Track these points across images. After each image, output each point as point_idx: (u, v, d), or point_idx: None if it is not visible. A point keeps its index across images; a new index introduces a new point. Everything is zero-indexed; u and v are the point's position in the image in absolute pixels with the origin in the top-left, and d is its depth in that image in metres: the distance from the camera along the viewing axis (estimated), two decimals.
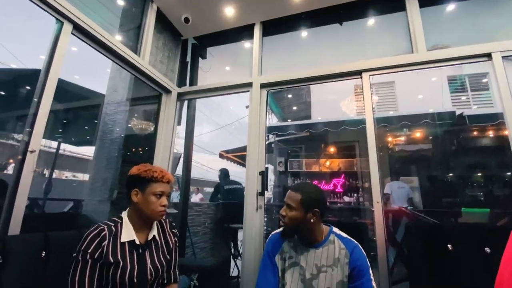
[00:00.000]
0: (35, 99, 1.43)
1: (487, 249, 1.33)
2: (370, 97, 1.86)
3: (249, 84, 2.11)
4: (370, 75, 1.88)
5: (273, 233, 1.29)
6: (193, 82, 2.56)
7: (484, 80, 6.17)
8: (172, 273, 1.15)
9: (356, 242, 1.18)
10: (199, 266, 1.48)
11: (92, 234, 0.96)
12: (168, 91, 2.30)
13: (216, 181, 4.16)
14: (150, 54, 2.13)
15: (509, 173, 5.15)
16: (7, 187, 1.26)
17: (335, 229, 1.23)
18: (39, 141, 1.33)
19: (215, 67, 2.78)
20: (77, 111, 3.87)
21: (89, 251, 0.94)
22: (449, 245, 1.38)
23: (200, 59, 2.74)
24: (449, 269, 1.35)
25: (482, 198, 5.09)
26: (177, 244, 1.20)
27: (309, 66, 2.08)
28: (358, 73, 1.91)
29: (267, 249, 1.24)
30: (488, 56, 1.67)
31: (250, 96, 2.10)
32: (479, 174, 5.50)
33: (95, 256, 0.94)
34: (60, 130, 5.21)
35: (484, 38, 1.75)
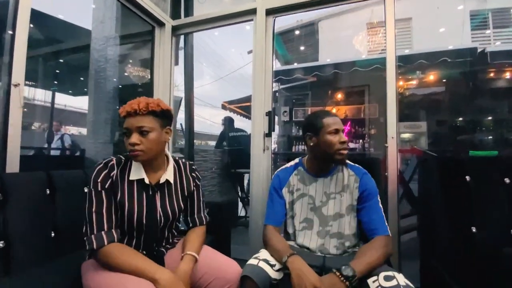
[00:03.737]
0: (10, 32, 1.26)
1: (507, 180, 1.27)
2: (393, 24, 1.61)
3: (253, 11, 1.84)
4: None
5: (279, 169, 1.26)
6: (188, 14, 2.28)
7: (508, 15, 5.62)
8: (197, 217, 1.08)
9: (365, 170, 1.17)
10: (208, 202, 1.47)
11: (99, 166, 0.90)
12: (161, 24, 2.05)
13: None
14: None
15: None
16: None
17: None
18: (22, 74, 1.20)
19: None
20: (68, 58, 3.64)
21: (99, 180, 0.87)
22: (467, 177, 1.32)
23: None
24: (464, 200, 1.31)
25: (490, 142, 5.02)
26: (200, 188, 1.11)
27: None
28: None
29: (273, 184, 1.22)
30: None
31: (254, 26, 1.85)
32: (490, 118, 5.34)
33: (107, 186, 0.88)
34: (55, 82, 5.01)
35: None
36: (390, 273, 0.85)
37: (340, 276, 0.83)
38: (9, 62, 1.19)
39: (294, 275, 0.86)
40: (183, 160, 1.10)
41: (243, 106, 7.34)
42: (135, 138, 0.87)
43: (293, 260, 0.90)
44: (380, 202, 1.10)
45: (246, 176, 3.33)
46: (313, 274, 0.86)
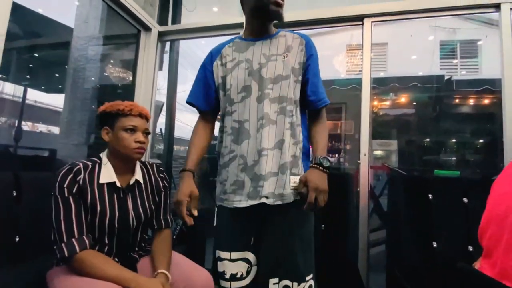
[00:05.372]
0: None
1: (465, 199, 1.39)
2: (369, 48, 1.74)
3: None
4: (372, 22, 1.74)
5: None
6: (175, 21, 2.30)
7: (475, 47, 6.21)
8: (162, 219, 1.05)
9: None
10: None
11: (64, 171, 0.86)
12: (147, 29, 2.05)
13: None
14: None
15: (481, 140, 5.47)
16: None
17: None
18: None
19: (200, 7, 2.49)
20: (44, 53, 3.48)
21: (65, 185, 0.84)
22: (429, 195, 1.43)
23: None
24: (427, 217, 1.41)
25: (454, 162, 5.42)
26: (168, 190, 1.11)
27: (306, 9, 1.89)
28: (360, 18, 1.76)
29: (203, 61, 1.06)
30: (497, 7, 1.58)
31: None
32: (454, 140, 5.79)
33: (74, 191, 0.85)
34: (28, 76, 4.74)
35: None
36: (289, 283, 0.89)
37: (320, 168, 0.89)
38: None
39: (178, 188, 0.95)
40: (150, 162, 1.11)
41: None
42: (143, 137, 0.95)
43: (180, 176, 0.97)
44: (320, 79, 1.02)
45: None
46: (184, 192, 0.92)
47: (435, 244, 1.34)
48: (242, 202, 0.92)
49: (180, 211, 0.91)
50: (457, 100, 5.49)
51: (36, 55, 3.55)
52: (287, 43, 0.99)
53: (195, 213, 0.92)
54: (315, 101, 1.00)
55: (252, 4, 0.95)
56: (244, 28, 1.05)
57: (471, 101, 5.42)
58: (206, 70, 1.04)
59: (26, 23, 2.65)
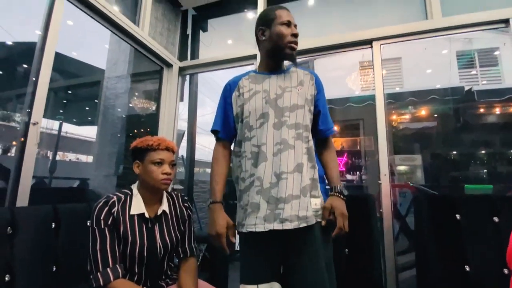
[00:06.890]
0: (33, 71, 1.38)
1: (496, 219, 1.32)
2: (380, 68, 1.78)
3: (254, 56, 2.03)
4: (381, 44, 1.79)
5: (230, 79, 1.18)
6: (194, 56, 2.48)
7: (494, 55, 6.02)
8: (187, 247, 1.08)
9: None
10: (207, 237, 1.49)
11: (100, 204, 0.94)
12: (169, 65, 2.23)
13: None
14: (149, 26, 2.03)
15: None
16: (9, 172, 1.24)
17: None
18: (41, 113, 1.30)
19: (216, 41, 2.67)
20: (77, 90, 3.82)
21: (102, 217, 0.92)
22: (457, 215, 1.37)
23: (201, 32, 2.63)
24: (456, 238, 1.35)
25: (484, 176, 5.10)
26: (191, 219, 1.16)
27: (316, 36, 1.98)
28: (368, 42, 1.83)
29: (222, 93, 1.15)
30: (506, 22, 1.59)
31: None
32: (483, 151, 5.48)
33: (109, 223, 0.92)
34: (61, 111, 5.17)
35: (502, 3, 1.65)
36: None
37: (341, 196, 0.99)
38: (30, 101, 1.30)
39: (209, 221, 1.00)
40: (175, 192, 1.17)
41: None
42: (169, 168, 1.02)
43: (211, 208, 1.00)
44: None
45: None
46: (221, 224, 0.96)
47: (467, 268, 1.27)
48: (258, 226, 0.91)
49: (221, 243, 0.95)
50: (481, 110, 5.27)
51: (69, 92, 3.90)
52: (299, 78, 1.09)
53: (234, 240, 0.98)
54: (325, 129, 1.10)
55: (269, 47, 1.07)
56: (259, 63, 1.17)
57: (497, 111, 5.18)
58: (225, 101, 1.13)
59: (61, 66, 2.96)
